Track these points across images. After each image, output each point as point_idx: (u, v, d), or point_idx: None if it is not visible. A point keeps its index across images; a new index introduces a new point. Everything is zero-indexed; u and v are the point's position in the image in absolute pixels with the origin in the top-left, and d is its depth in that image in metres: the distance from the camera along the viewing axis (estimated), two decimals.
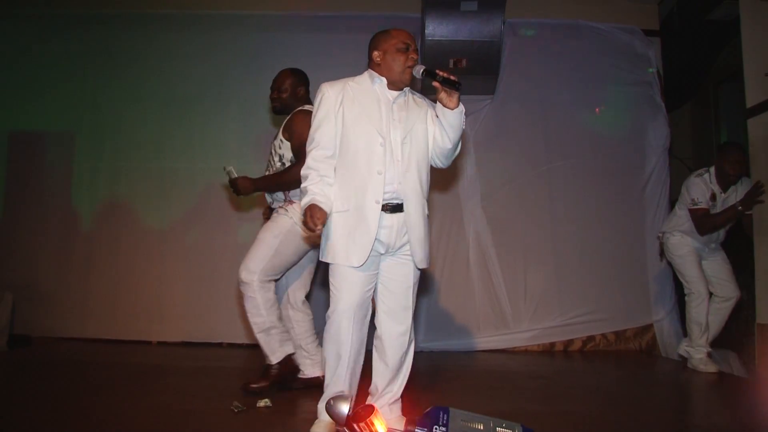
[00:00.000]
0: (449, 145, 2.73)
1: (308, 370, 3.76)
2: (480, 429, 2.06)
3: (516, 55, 5.67)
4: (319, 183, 2.66)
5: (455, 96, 2.60)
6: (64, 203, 5.69)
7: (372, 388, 2.82)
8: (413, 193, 2.67)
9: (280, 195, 3.65)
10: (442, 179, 5.55)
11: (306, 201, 2.61)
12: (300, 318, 3.77)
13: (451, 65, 5.22)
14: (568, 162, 5.63)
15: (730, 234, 4.79)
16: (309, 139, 2.73)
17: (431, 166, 2.85)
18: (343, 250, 2.62)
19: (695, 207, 4.54)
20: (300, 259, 3.66)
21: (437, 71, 2.59)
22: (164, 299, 5.51)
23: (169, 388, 3.76)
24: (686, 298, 4.66)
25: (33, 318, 5.45)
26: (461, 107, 2.64)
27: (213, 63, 5.71)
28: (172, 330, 5.49)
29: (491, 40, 5.16)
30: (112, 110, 5.74)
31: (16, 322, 5.32)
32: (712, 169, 4.62)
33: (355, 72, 2.87)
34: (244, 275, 3.48)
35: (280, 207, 3.63)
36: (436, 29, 5.12)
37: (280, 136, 3.64)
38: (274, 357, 3.52)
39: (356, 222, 2.62)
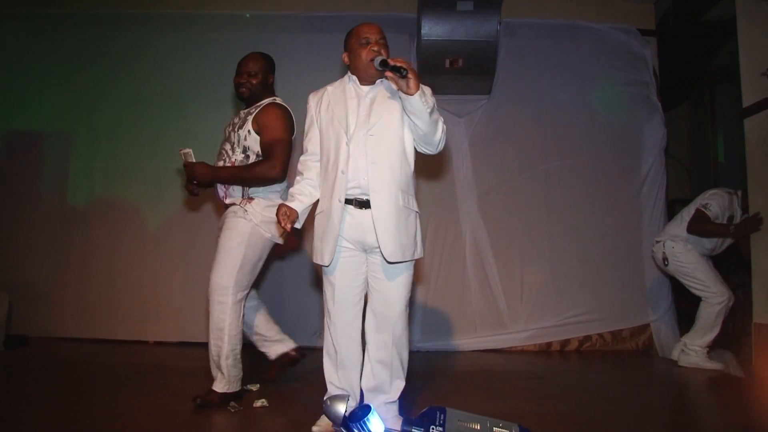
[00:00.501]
0: (420, 132, 2.73)
1: (271, 351, 3.79)
2: (477, 429, 2.06)
3: (512, 55, 5.67)
4: (300, 183, 2.87)
5: (409, 82, 2.58)
6: (60, 203, 5.67)
7: (362, 386, 2.84)
8: (382, 186, 2.70)
9: (237, 190, 3.43)
10: (438, 179, 5.55)
11: (290, 197, 2.83)
12: (246, 312, 3.54)
13: (447, 65, 5.23)
14: (564, 162, 5.63)
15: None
16: (299, 163, 2.93)
17: (419, 154, 2.88)
18: (318, 250, 2.79)
19: (704, 210, 4.58)
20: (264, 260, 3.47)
21: (389, 60, 2.65)
22: (161, 299, 5.50)
23: (166, 388, 3.76)
24: (707, 300, 4.59)
25: (29, 318, 5.43)
26: (418, 92, 2.61)
27: (210, 63, 5.69)
28: (169, 330, 5.47)
29: (487, 40, 5.16)
30: (108, 110, 5.73)
31: (12, 322, 5.30)
32: (740, 193, 4.66)
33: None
34: (219, 294, 3.27)
35: (235, 205, 3.40)
36: (432, 29, 5.12)
37: (249, 126, 3.39)
38: (221, 386, 3.29)
39: (327, 222, 2.74)
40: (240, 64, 3.54)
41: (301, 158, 2.92)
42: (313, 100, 2.92)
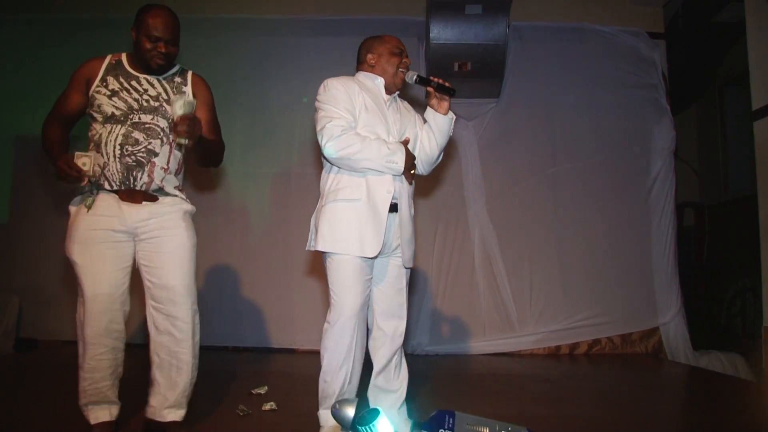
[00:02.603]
0: (436, 151, 2.80)
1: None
2: None
3: (521, 58, 5.67)
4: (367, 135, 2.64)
5: (446, 102, 2.70)
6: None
7: (369, 391, 2.84)
8: (405, 193, 2.73)
9: (178, 175, 2.92)
10: (447, 182, 5.55)
11: (393, 146, 2.63)
12: None
13: (456, 68, 5.23)
14: (573, 165, 5.62)
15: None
16: (330, 128, 2.59)
17: None
18: (356, 240, 2.59)
19: None
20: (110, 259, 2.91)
21: (431, 77, 2.69)
22: None
23: None
24: None
25: (39, 321, 5.45)
26: (451, 114, 2.74)
27: (219, 66, 5.68)
28: None
29: (496, 43, 5.16)
30: None
31: (22, 325, 5.32)
32: None
33: None
34: (195, 301, 3.03)
35: (176, 197, 2.90)
36: (441, 32, 5.12)
37: (191, 97, 2.92)
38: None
39: (369, 212, 2.62)
40: (160, 29, 2.88)
41: (344, 124, 2.61)
42: (339, 83, 2.70)
